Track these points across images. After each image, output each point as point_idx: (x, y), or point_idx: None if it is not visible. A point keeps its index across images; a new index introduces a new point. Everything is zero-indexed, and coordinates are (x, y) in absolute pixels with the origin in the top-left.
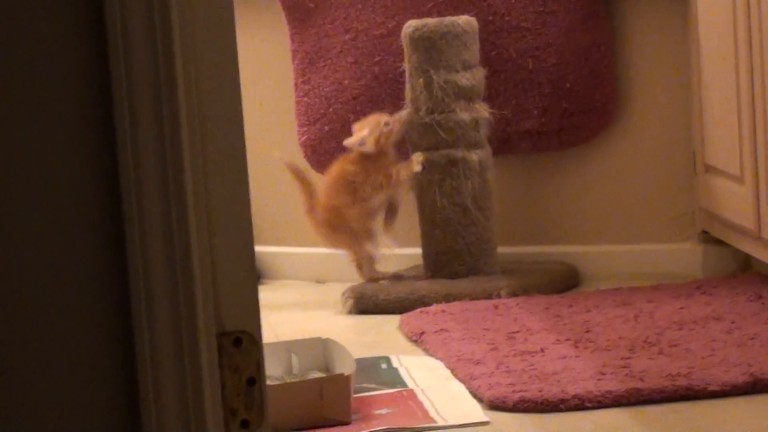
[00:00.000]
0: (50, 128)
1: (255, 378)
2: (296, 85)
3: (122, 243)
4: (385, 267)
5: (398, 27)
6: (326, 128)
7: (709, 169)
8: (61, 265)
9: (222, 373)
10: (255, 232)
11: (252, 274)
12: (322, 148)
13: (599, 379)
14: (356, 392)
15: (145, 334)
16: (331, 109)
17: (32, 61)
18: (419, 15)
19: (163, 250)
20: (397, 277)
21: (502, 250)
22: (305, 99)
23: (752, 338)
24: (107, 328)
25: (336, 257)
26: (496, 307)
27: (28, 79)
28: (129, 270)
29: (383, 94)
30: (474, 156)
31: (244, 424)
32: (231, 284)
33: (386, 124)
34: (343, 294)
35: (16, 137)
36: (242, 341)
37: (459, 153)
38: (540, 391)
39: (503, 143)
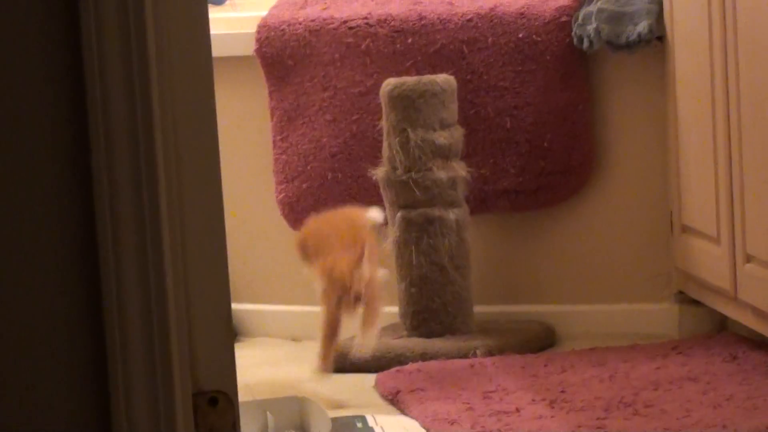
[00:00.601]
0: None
1: None
2: (274, 142)
3: (98, 302)
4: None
5: (377, 85)
6: (304, 186)
7: (686, 229)
8: (36, 329)
9: None
10: (231, 290)
11: (228, 334)
12: (300, 206)
13: None
14: None
15: (121, 393)
16: (309, 167)
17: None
18: (398, 73)
19: (140, 308)
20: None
21: (478, 309)
22: (283, 156)
23: (727, 399)
24: (82, 387)
25: (312, 315)
26: (471, 366)
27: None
28: (105, 329)
29: (361, 152)
30: (451, 215)
31: None
32: (207, 344)
33: (356, 297)
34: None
35: None
36: (218, 401)
37: (436, 212)
38: None
39: (481, 202)
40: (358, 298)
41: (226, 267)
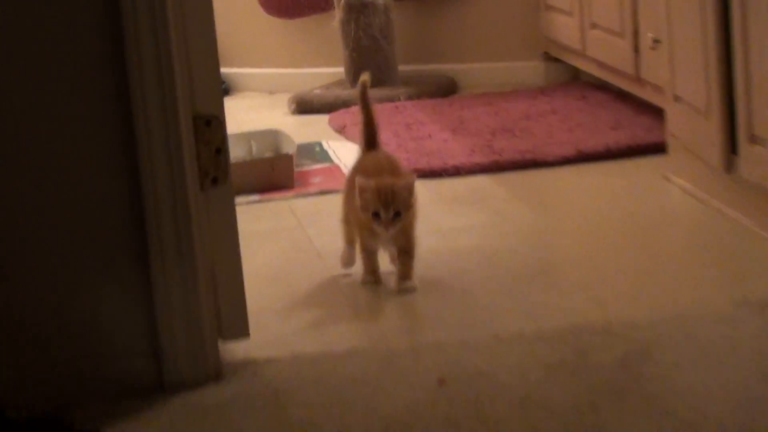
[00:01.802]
0: None
1: (221, 148)
2: None
3: (121, 49)
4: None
5: None
6: None
7: (549, 7)
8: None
9: (197, 145)
10: (224, 55)
11: (216, 71)
12: None
13: (470, 155)
14: (297, 167)
15: (140, 113)
16: None
17: None
18: None
19: (154, 53)
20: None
21: (402, 67)
22: None
23: (578, 125)
24: (110, 114)
25: (284, 75)
26: (397, 107)
27: None
28: (128, 69)
29: None
30: (380, 0)
31: (214, 180)
32: (202, 79)
33: (395, 213)
34: (289, 100)
35: None
36: (211, 122)
37: None
38: (428, 163)
39: None
40: (398, 214)
41: (214, 26)
